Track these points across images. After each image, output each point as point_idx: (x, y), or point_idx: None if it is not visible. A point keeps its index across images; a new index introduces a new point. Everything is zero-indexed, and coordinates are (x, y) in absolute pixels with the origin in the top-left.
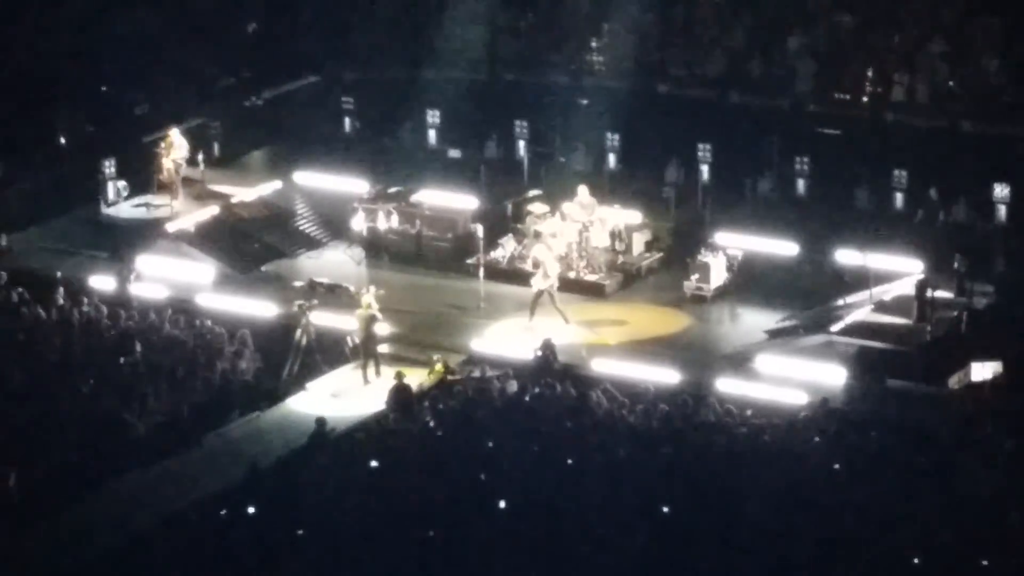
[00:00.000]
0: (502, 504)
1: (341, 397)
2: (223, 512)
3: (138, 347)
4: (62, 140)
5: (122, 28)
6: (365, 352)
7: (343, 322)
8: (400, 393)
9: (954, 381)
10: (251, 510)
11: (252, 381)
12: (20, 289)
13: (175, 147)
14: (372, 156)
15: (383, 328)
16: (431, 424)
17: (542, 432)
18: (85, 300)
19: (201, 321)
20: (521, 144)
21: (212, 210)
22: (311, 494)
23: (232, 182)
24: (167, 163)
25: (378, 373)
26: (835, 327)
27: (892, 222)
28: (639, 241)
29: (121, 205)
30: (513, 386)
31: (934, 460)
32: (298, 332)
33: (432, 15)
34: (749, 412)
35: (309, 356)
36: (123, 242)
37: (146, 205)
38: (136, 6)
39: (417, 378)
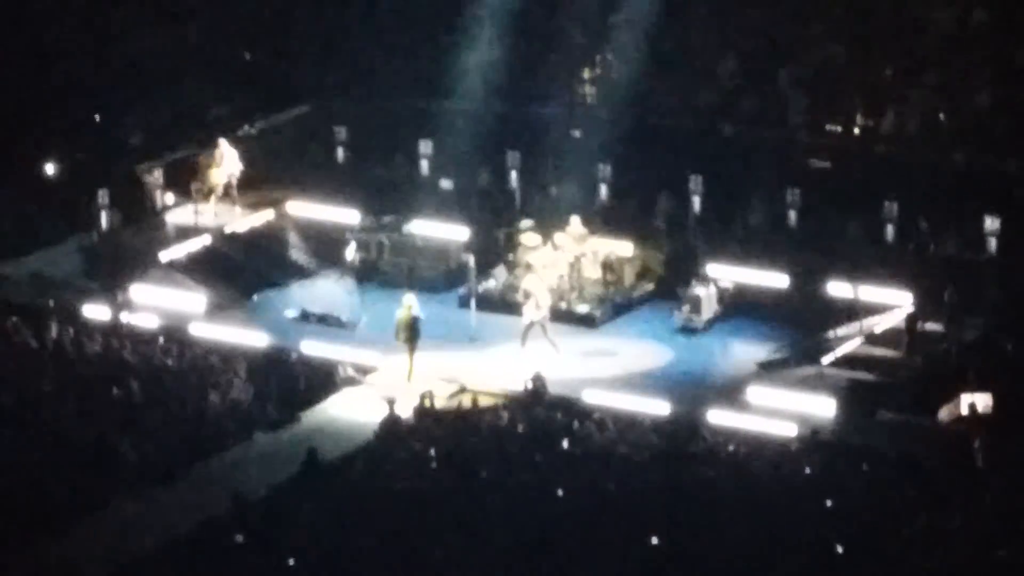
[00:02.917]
0: (495, 535)
1: (336, 425)
2: (212, 542)
3: (131, 376)
4: (53, 169)
5: (115, 57)
6: (410, 350)
7: (334, 352)
8: (392, 422)
9: (944, 413)
10: (240, 539)
11: (244, 410)
12: (13, 318)
13: (226, 158)
14: (364, 186)
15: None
16: (423, 454)
17: (533, 462)
18: (78, 329)
19: (193, 350)
20: (513, 174)
21: (204, 239)
22: (301, 524)
23: (224, 211)
24: (218, 175)
25: (409, 378)
26: (826, 359)
27: (883, 254)
28: (630, 272)
29: (179, 210)
30: (503, 417)
31: (924, 493)
32: None
33: (424, 46)
34: (739, 444)
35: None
36: (115, 271)
37: (208, 214)
38: (129, 34)
39: (408, 403)
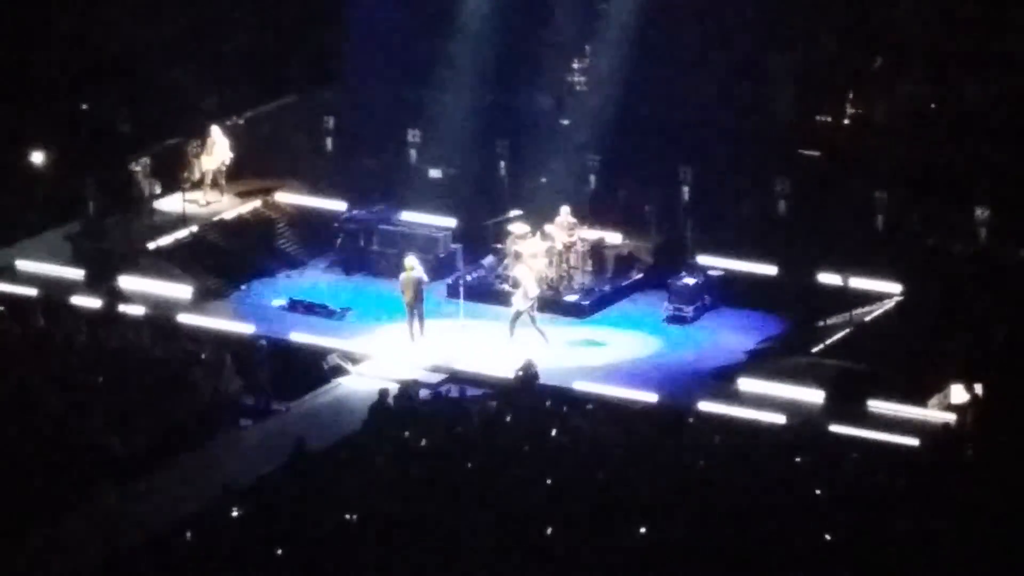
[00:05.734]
0: (484, 525)
1: (324, 414)
2: (201, 532)
3: (118, 366)
4: (40, 158)
5: (103, 46)
6: (411, 311)
7: (322, 341)
8: (380, 411)
9: (934, 403)
10: (229, 530)
11: (232, 399)
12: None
13: (217, 145)
14: (353, 175)
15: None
16: (411, 443)
17: (522, 451)
18: (64, 319)
19: (181, 340)
20: (502, 164)
21: (192, 228)
22: (289, 514)
23: (212, 200)
24: (208, 162)
25: (422, 332)
26: (815, 348)
27: (873, 244)
28: (620, 262)
29: (166, 199)
30: (492, 406)
31: (914, 482)
32: None
33: (414, 35)
34: (729, 433)
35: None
36: (102, 260)
37: (196, 202)
38: (118, 23)
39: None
